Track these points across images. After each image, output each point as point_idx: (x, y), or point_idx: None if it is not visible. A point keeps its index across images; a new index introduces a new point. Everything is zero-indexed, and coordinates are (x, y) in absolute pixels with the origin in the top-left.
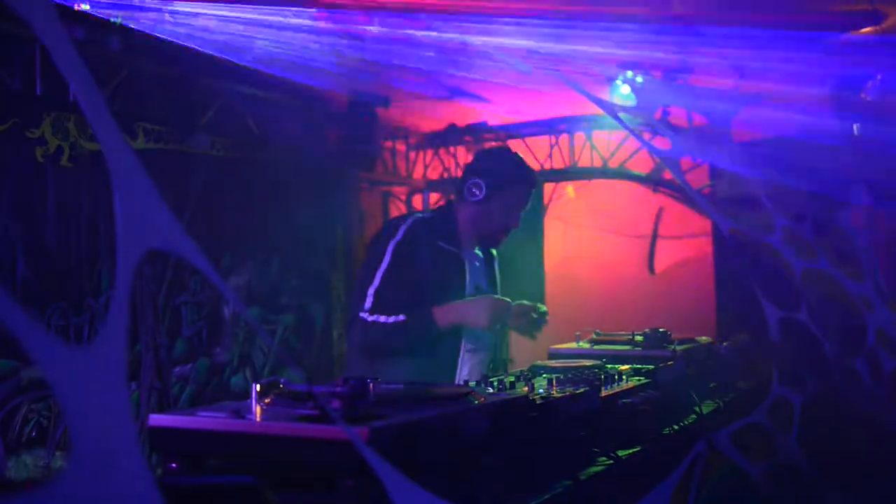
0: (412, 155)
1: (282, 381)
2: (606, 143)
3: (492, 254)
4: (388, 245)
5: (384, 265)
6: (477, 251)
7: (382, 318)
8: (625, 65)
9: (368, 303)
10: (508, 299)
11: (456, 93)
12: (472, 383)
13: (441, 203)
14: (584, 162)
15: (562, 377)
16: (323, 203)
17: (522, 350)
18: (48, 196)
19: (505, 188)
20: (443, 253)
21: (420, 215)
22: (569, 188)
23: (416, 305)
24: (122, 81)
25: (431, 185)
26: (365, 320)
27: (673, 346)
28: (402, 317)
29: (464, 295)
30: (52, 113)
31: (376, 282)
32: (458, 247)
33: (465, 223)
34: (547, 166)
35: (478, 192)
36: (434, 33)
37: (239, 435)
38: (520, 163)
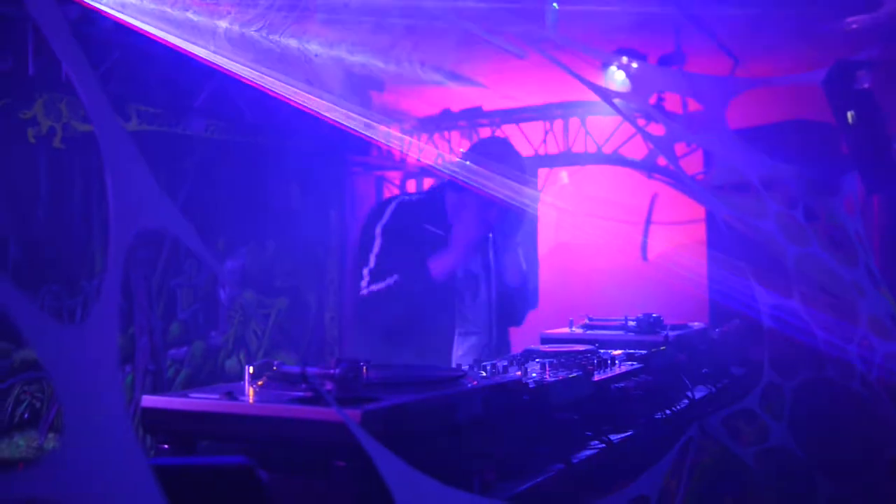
0: (406, 139)
1: (275, 363)
2: (601, 128)
3: (487, 237)
4: (375, 228)
5: (376, 248)
6: None
7: (376, 286)
8: (620, 50)
9: (364, 282)
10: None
11: (451, 77)
12: (464, 367)
13: (433, 185)
14: (578, 147)
15: (555, 362)
16: (317, 187)
17: (515, 335)
18: (40, 177)
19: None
20: (429, 235)
21: (406, 198)
22: (563, 174)
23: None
24: (114, 62)
25: (425, 170)
26: (363, 296)
27: (665, 332)
28: (395, 276)
29: (452, 278)
30: (44, 94)
31: (370, 263)
32: (446, 230)
33: (454, 208)
34: (541, 152)
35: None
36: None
37: (231, 416)
38: (516, 154)
